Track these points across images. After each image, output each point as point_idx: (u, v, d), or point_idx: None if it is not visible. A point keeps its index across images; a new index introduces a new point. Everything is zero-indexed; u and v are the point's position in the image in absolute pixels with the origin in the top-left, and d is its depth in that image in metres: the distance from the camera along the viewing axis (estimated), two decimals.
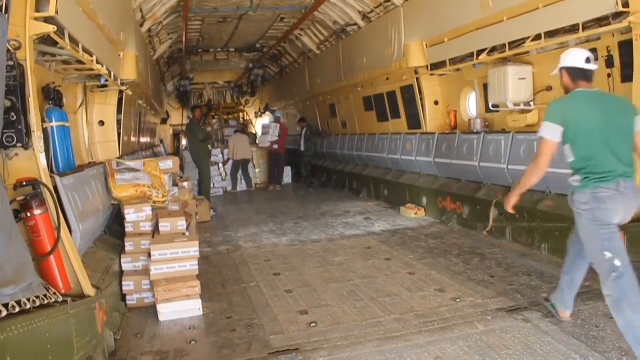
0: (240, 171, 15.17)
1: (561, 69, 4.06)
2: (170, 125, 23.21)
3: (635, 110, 3.97)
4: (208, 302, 5.40)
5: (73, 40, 4.90)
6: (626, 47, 5.63)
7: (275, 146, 14.90)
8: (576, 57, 3.98)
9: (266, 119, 24.45)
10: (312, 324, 4.68)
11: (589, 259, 4.06)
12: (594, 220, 3.76)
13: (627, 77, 5.67)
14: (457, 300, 5.03)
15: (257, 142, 15.58)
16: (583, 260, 4.22)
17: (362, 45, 11.52)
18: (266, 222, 9.81)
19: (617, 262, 3.64)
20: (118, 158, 7.24)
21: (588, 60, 3.96)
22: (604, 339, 3.96)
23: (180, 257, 5.32)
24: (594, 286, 5.09)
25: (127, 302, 5.42)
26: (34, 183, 3.79)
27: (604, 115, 3.79)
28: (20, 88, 3.74)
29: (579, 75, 3.97)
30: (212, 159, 14.02)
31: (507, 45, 6.99)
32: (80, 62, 5.61)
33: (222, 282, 6.19)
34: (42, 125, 4.65)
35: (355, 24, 11.73)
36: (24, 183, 3.75)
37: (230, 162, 15.09)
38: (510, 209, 4.32)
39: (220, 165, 15.33)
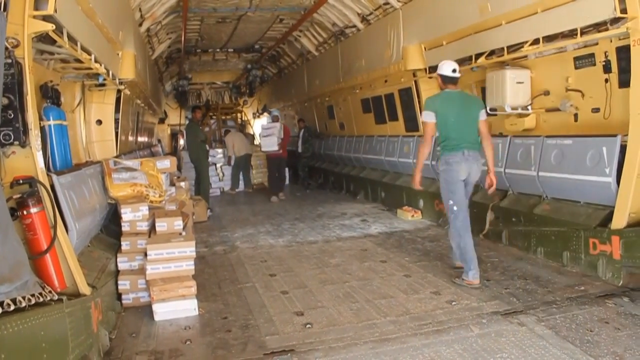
0: (241, 171, 15.18)
1: (438, 74, 5.80)
2: (168, 125, 23.20)
3: (481, 105, 5.89)
4: (204, 302, 5.40)
5: (71, 39, 4.90)
6: (624, 53, 5.65)
7: (277, 150, 13.01)
8: (447, 67, 5.73)
9: (265, 119, 24.47)
10: (308, 325, 4.68)
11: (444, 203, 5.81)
12: (446, 179, 5.62)
13: (624, 82, 5.69)
14: (453, 303, 5.04)
15: (261, 146, 13.17)
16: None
17: (360, 48, 11.54)
18: (263, 223, 9.81)
19: (455, 207, 5.59)
20: (115, 157, 7.23)
21: (454, 71, 5.72)
22: (598, 343, 3.97)
23: (176, 257, 5.31)
24: (589, 290, 5.13)
25: (123, 301, 5.42)
26: (31, 181, 3.78)
27: (459, 108, 5.64)
28: (18, 86, 3.74)
29: (448, 80, 5.74)
30: (210, 159, 14.03)
31: (505, 49, 7.00)
32: (78, 60, 5.62)
33: (218, 283, 6.19)
34: (40, 123, 4.65)
35: (354, 26, 11.75)
36: (21, 181, 3.74)
37: (232, 161, 15.05)
38: (417, 186, 5.90)
39: (218, 165, 15.32)
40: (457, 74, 5.70)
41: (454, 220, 5.62)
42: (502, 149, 7.25)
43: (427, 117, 5.67)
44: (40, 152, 3.99)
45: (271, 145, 12.72)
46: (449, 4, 8.03)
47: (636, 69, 5.21)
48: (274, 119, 13.25)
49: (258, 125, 24.27)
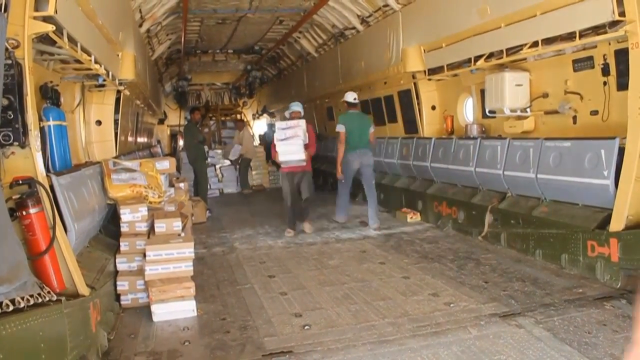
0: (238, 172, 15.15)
1: (344, 101, 9.03)
2: (168, 126, 23.18)
3: (371, 122, 9.17)
4: (202, 303, 5.40)
5: (71, 40, 4.91)
6: (622, 56, 5.67)
7: (302, 160, 8.46)
8: (350, 96, 9.03)
9: (267, 119, 24.33)
10: (306, 327, 4.69)
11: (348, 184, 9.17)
12: (345, 167, 8.84)
13: (622, 85, 5.71)
14: (451, 305, 5.05)
15: (279, 155, 8.40)
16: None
17: (360, 49, 11.56)
18: (262, 224, 9.81)
19: (343, 181, 9.00)
20: (114, 158, 7.23)
21: (355, 99, 9.03)
22: (596, 345, 3.98)
23: (175, 258, 5.31)
24: (587, 293, 5.14)
25: (122, 302, 5.42)
26: (30, 182, 3.79)
27: (357, 123, 8.86)
28: (18, 87, 3.75)
29: (351, 104, 8.99)
30: (209, 160, 14.01)
31: (504, 51, 7.02)
32: (78, 61, 5.63)
33: (217, 284, 6.19)
34: (39, 124, 4.65)
35: (354, 28, 11.76)
36: (20, 182, 3.76)
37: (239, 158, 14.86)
38: (340, 175, 8.98)
39: (217, 167, 15.31)
40: (356, 101, 9.08)
41: (340, 187, 9.24)
42: (500, 151, 7.26)
43: (340, 129, 8.78)
44: (40, 153, 4.01)
45: (295, 153, 8.34)
46: (448, 7, 8.05)
47: (634, 72, 5.22)
48: (294, 115, 8.93)
49: (258, 126, 24.28)
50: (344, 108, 9.37)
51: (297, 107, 9.13)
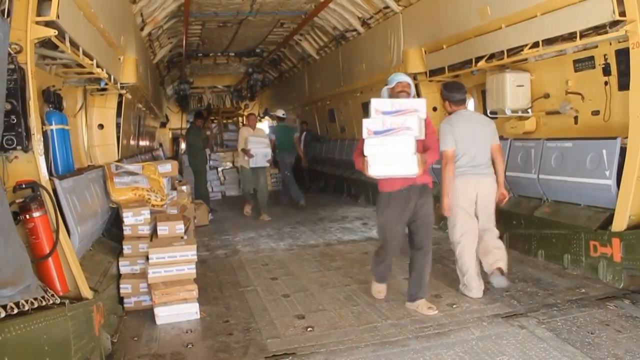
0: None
1: (274, 115, 14.09)
2: (170, 129, 23.21)
3: (295, 130, 13.87)
4: (205, 306, 5.41)
5: (73, 44, 4.93)
6: (623, 55, 5.67)
7: (414, 169, 4.67)
8: (279, 112, 12.95)
9: (269, 122, 24.31)
10: (309, 329, 4.70)
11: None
12: (282, 163, 12.60)
13: (623, 85, 5.71)
14: (454, 305, 5.05)
15: (369, 165, 4.66)
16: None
17: (361, 51, 11.57)
18: (264, 227, 9.82)
19: (288, 174, 12.40)
20: (117, 161, 7.25)
21: (283, 114, 12.98)
22: (599, 346, 3.98)
23: (178, 261, 5.32)
24: (590, 293, 5.14)
25: (125, 305, 5.43)
26: (33, 185, 3.80)
27: (284, 132, 12.67)
28: (21, 91, 3.77)
29: (279, 119, 12.99)
30: (212, 163, 14.01)
31: (505, 52, 7.02)
32: (80, 65, 5.63)
33: (220, 286, 6.20)
34: (42, 128, 4.67)
35: (355, 30, 11.78)
36: (23, 185, 3.77)
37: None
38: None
39: (220, 170, 15.30)
40: (284, 116, 12.91)
41: (289, 180, 12.32)
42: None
43: (272, 136, 12.24)
44: (43, 157, 4.01)
45: (401, 159, 4.70)
46: (448, 8, 8.06)
47: (635, 72, 5.23)
48: (400, 90, 5.07)
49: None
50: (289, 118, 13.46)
51: (404, 77, 5.10)
